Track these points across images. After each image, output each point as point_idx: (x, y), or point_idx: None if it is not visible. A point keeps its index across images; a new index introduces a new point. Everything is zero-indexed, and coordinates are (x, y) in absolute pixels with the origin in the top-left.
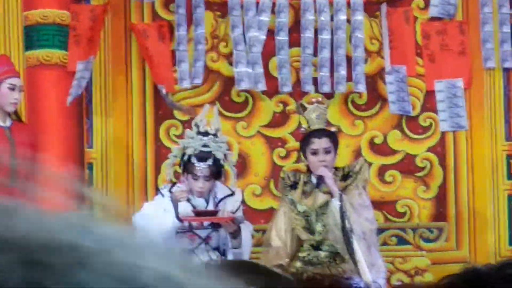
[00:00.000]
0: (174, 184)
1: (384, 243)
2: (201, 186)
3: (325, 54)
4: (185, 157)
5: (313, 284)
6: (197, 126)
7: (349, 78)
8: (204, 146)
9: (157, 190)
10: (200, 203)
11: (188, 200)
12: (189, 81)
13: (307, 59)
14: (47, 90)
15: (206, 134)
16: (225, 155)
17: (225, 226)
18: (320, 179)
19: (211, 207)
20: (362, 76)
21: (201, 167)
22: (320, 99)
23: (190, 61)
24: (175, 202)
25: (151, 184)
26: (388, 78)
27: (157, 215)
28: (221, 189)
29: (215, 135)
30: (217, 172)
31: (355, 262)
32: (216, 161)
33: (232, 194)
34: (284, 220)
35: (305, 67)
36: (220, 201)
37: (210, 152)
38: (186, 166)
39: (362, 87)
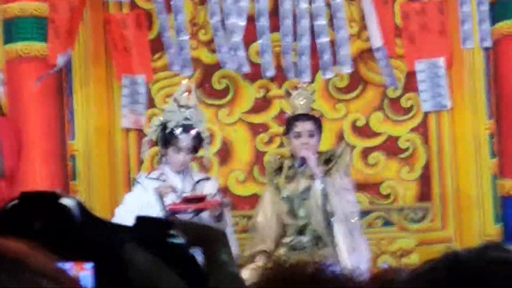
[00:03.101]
0: (149, 173)
1: (369, 226)
2: (182, 159)
3: (304, 41)
4: (167, 130)
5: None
6: (177, 100)
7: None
8: (186, 119)
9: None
10: (178, 184)
11: (164, 180)
12: (179, 67)
13: (287, 46)
14: (27, 82)
15: (186, 107)
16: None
17: (211, 210)
18: (302, 161)
19: (188, 188)
20: (347, 58)
21: (185, 138)
22: (304, 84)
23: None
24: (160, 197)
25: (134, 175)
26: (377, 55)
27: (142, 210)
28: (196, 173)
29: (195, 108)
30: (198, 146)
31: (335, 246)
32: (198, 133)
33: (208, 178)
34: (270, 205)
35: (286, 55)
36: (197, 182)
37: (192, 124)
38: (168, 139)
39: (347, 69)
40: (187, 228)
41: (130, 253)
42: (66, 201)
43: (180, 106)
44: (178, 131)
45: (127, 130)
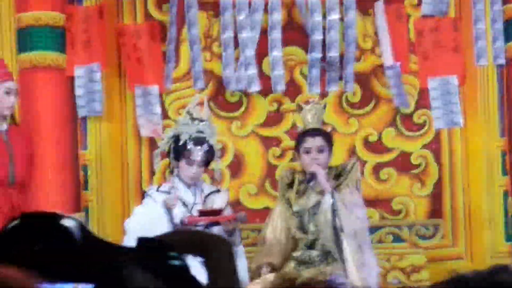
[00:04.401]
0: (159, 186)
1: (380, 241)
2: (194, 171)
3: (316, 54)
4: (180, 143)
5: None
6: (190, 113)
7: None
8: (199, 132)
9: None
10: (188, 197)
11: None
12: (171, 82)
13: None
14: (40, 92)
15: (199, 120)
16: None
17: (224, 224)
18: (312, 176)
19: (198, 201)
20: (351, 76)
21: (197, 151)
22: (316, 99)
23: (185, 62)
24: (168, 210)
25: (146, 185)
26: (388, 73)
27: (152, 223)
28: (206, 186)
29: (207, 121)
30: (210, 159)
31: (344, 261)
32: (210, 147)
33: (218, 191)
34: (280, 219)
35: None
36: (207, 196)
37: (205, 137)
38: (181, 151)
39: (350, 87)
40: (190, 237)
41: (130, 275)
42: (66, 222)
43: (193, 119)
44: (190, 144)
45: (140, 141)
